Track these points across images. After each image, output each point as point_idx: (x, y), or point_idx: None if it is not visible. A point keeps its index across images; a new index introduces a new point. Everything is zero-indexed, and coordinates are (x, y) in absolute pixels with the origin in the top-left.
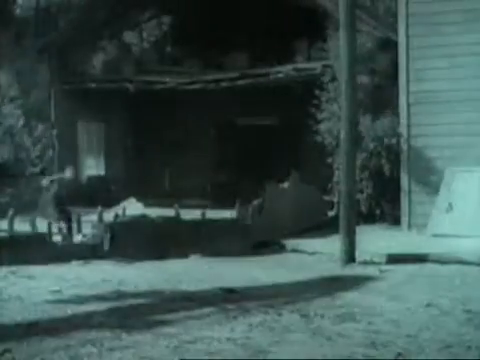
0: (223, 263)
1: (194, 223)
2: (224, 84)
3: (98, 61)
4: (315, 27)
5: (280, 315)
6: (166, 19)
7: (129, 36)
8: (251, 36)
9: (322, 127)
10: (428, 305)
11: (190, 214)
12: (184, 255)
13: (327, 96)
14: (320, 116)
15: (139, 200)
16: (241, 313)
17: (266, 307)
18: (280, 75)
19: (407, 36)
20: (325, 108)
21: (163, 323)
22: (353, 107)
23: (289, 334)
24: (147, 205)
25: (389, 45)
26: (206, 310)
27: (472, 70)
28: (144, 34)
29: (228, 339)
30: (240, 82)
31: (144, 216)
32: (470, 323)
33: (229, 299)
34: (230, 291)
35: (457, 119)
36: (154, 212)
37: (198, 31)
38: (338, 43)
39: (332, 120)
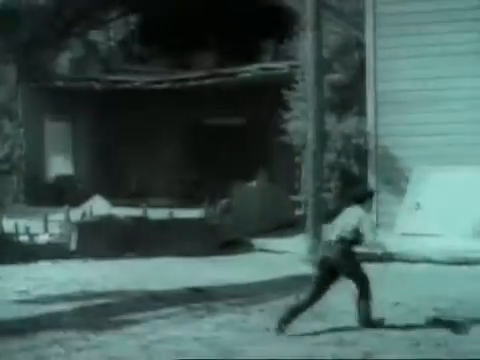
0: (191, 263)
1: (161, 222)
2: (191, 83)
3: (65, 60)
4: (282, 27)
5: (248, 314)
6: (133, 18)
7: (95, 35)
8: (218, 36)
9: (290, 126)
10: (396, 304)
11: (157, 213)
12: (151, 255)
13: (295, 95)
14: (288, 115)
15: (106, 199)
16: (208, 312)
17: (234, 306)
18: (247, 75)
19: (374, 36)
20: (293, 107)
21: (130, 323)
22: (320, 107)
23: (257, 333)
24: (114, 204)
25: (357, 45)
26: (173, 310)
27: (439, 70)
28: (111, 33)
29: (195, 339)
30: (207, 81)
31: (111, 216)
32: (437, 321)
33: (196, 299)
34: (198, 290)
35: (424, 119)
36: (121, 211)
37: (165, 30)
38: (305, 43)
39: (300, 119)
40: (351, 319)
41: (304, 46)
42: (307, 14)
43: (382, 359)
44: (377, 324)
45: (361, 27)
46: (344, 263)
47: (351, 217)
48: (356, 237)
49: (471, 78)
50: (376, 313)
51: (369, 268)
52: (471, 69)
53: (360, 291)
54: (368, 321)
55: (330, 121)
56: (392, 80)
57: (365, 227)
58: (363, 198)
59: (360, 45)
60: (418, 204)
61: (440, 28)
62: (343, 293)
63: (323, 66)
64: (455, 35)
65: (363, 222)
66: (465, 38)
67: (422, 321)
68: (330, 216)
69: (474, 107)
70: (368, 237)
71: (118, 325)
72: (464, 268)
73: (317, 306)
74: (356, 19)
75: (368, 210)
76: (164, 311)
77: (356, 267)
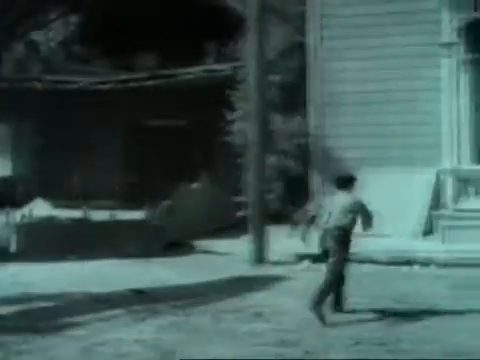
0: (133, 264)
1: (103, 224)
2: (134, 84)
3: (5, 60)
4: (225, 28)
5: (189, 316)
6: (73, 18)
7: (36, 35)
8: (161, 37)
9: (233, 128)
10: None
11: (99, 215)
12: (93, 257)
13: (238, 96)
14: (231, 117)
15: (47, 201)
16: (150, 314)
17: (175, 308)
18: (190, 76)
19: (317, 38)
20: (238, 108)
21: (72, 325)
22: (263, 108)
23: (199, 335)
24: (56, 206)
25: (300, 46)
26: (115, 312)
27: (381, 73)
28: (52, 33)
29: (137, 341)
30: (150, 83)
31: (52, 217)
32: (379, 321)
33: (138, 300)
34: (140, 292)
35: (366, 120)
36: (63, 213)
37: (107, 31)
38: (248, 44)
39: (243, 120)
40: (292, 320)
41: (247, 48)
42: (250, 16)
43: (322, 359)
44: (320, 316)
45: (304, 29)
46: (334, 248)
47: (340, 203)
48: (348, 222)
49: (415, 81)
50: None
51: (313, 268)
52: (415, 72)
53: (325, 279)
54: (315, 306)
55: (274, 122)
56: (336, 82)
57: (362, 212)
58: (346, 183)
59: (303, 47)
60: None
61: (385, 31)
62: (284, 294)
63: (266, 67)
64: (399, 38)
65: (359, 209)
66: (409, 41)
67: (364, 321)
68: None
69: (415, 109)
70: (367, 221)
71: (59, 328)
72: (405, 268)
73: (258, 307)
74: (300, 21)
75: (352, 194)
76: (106, 313)
77: (339, 256)
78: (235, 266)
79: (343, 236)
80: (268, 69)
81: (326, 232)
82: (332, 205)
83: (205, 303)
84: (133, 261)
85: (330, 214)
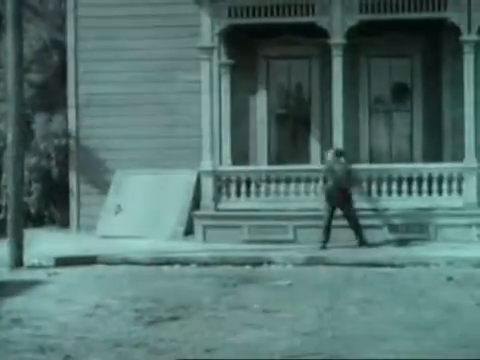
0: None
1: None
2: None
3: None
4: None
5: None
6: None
7: None
8: None
9: None
10: (97, 306)
11: None
12: None
13: None
14: None
15: None
16: None
17: None
18: None
19: (76, 38)
20: None
21: None
22: (20, 108)
23: None
24: None
25: (59, 46)
26: None
27: (139, 75)
28: None
29: None
30: None
31: None
32: (138, 322)
33: None
34: None
35: (125, 122)
36: None
37: None
38: (5, 42)
39: (1, 121)
40: (50, 324)
41: (4, 45)
42: (7, 13)
43: None
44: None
45: (63, 29)
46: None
47: (338, 169)
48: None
49: (174, 83)
50: (76, 319)
51: (71, 272)
52: (174, 75)
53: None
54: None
55: (35, 122)
56: (93, 83)
57: (349, 174)
58: (341, 154)
59: (62, 46)
60: (119, 207)
61: (141, 33)
62: (42, 299)
63: (24, 66)
64: (158, 41)
65: (349, 171)
66: (168, 44)
67: (124, 322)
68: None
69: (175, 111)
70: (352, 180)
71: None
72: (165, 268)
73: (16, 312)
74: (58, 21)
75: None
76: None
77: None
78: None
79: (344, 191)
80: (27, 68)
81: (328, 190)
82: (329, 172)
83: None
84: None
85: (330, 177)
